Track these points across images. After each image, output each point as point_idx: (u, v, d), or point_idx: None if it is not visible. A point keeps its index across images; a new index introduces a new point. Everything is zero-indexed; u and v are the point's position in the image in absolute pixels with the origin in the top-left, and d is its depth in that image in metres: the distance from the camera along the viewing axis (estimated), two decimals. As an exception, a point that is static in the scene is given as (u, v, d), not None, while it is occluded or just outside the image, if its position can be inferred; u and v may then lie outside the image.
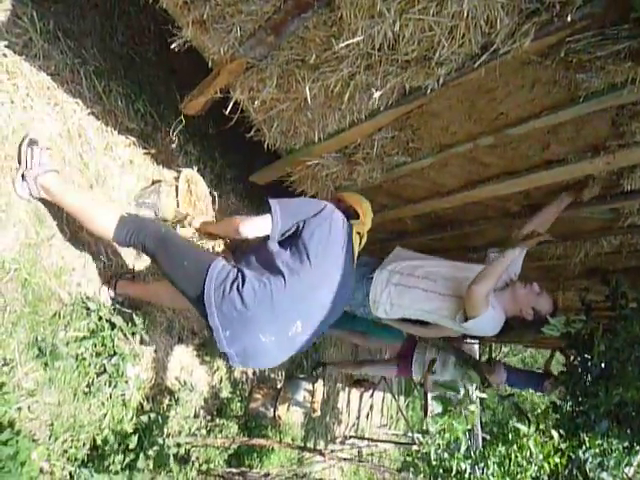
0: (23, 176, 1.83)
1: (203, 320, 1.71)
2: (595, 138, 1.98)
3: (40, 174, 1.82)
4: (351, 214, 2.14)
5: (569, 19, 1.45)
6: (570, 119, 1.88)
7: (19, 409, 1.78)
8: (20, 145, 1.84)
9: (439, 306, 2.36)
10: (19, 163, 1.84)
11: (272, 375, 3.76)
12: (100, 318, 2.07)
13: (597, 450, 2.09)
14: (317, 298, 1.82)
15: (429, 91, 1.82)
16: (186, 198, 2.31)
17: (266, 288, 1.68)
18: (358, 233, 2.13)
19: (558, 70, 1.72)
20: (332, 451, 2.66)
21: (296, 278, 1.74)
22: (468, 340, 4.24)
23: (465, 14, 1.50)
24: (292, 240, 1.87)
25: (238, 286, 1.66)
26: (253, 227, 1.90)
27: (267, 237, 1.87)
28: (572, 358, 2.38)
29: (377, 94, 1.87)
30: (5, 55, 1.88)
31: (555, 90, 1.80)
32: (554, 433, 1.93)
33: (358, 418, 5.55)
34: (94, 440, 2.04)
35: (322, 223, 1.89)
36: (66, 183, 1.95)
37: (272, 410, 3.27)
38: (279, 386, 3.55)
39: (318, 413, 3.61)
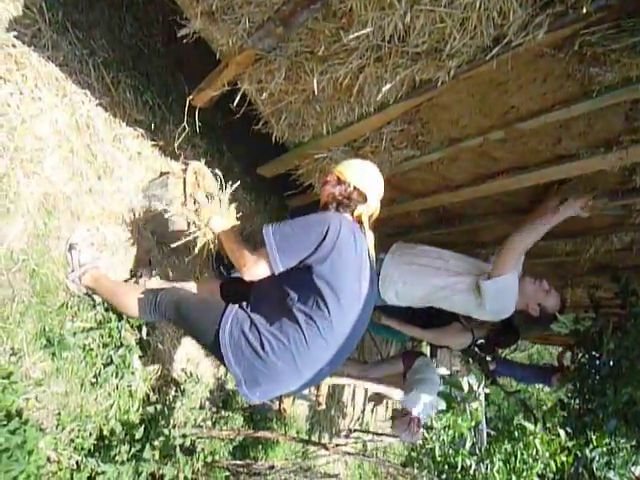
0: (69, 277, 2.00)
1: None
2: (608, 133, 1.95)
3: (81, 275, 2.00)
4: (357, 198, 1.76)
5: (584, 11, 1.42)
6: (583, 113, 1.85)
7: (27, 399, 1.79)
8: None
9: (454, 281, 2.34)
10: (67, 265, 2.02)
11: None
12: (107, 309, 2.07)
13: (604, 449, 2.07)
14: (344, 343, 1.67)
15: (439, 84, 1.80)
16: (193, 190, 2.31)
17: (288, 351, 1.57)
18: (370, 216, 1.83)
19: (571, 63, 1.68)
20: (337, 445, 2.66)
21: (318, 333, 1.58)
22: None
23: (477, 5, 1.48)
24: (305, 276, 1.62)
25: (256, 349, 1.58)
26: (257, 274, 1.66)
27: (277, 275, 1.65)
28: (580, 355, 2.36)
29: (386, 87, 1.86)
30: (14, 46, 1.88)
31: (568, 84, 1.77)
32: (561, 431, 1.91)
33: (363, 412, 5.55)
34: (101, 430, 2.05)
35: (332, 249, 1.57)
36: (101, 277, 2.05)
37: (277, 403, 3.28)
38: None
39: (323, 406, 3.62)
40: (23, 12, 1.94)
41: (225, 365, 1.63)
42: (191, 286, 2.23)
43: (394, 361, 3.86)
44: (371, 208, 1.80)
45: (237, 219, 2.10)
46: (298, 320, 1.58)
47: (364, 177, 1.77)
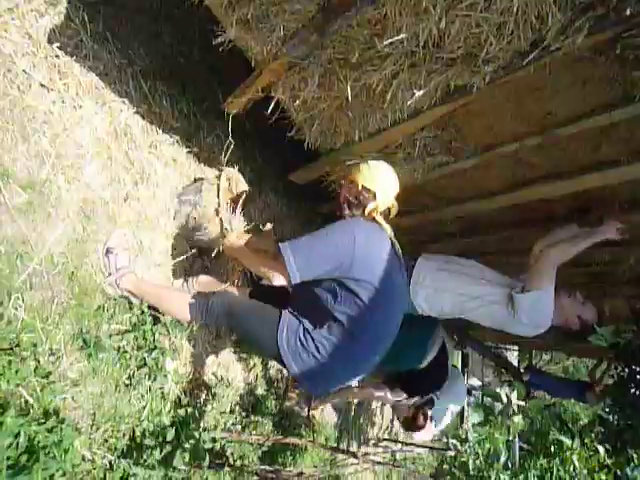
0: (107, 281, 2.04)
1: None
2: (651, 139, 1.89)
3: (118, 279, 2.04)
4: (367, 197, 1.80)
5: (626, 13, 1.38)
6: (624, 119, 1.79)
7: (64, 398, 1.83)
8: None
9: (488, 291, 2.28)
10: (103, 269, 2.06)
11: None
12: (142, 312, 2.11)
13: (646, 467, 1.99)
14: (387, 332, 1.82)
15: (474, 90, 1.78)
16: (226, 197, 2.34)
17: (343, 349, 1.72)
18: (384, 212, 1.87)
19: (612, 67, 1.64)
20: (365, 454, 2.64)
21: (363, 327, 1.72)
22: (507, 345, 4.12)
23: (515, 10, 1.46)
24: (334, 282, 1.70)
25: (313, 354, 1.73)
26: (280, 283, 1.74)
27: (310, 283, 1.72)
28: (620, 370, 2.28)
29: (420, 93, 1.85)
30: (57, 56, 1.95)
31: (609, 88, 1.72)
32: (600, 447, 1.84)
33: (392, 421, 5.49)
34: (133, 431, 2.08)
35: (360, 259, 1.64)
36: (141, 281, 2.12)
37: (306, 409, 3.27)
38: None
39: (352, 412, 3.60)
40: (66, 24, 2.01)
41: (286, 368, 1.78)
42: (232, 289, 2.26)
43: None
44: (383, 204, 1.83)
45: (247, 232, 2.18)
46: (341, 320, 1.70)
47: (371, 176, 1.82)
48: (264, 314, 1.88)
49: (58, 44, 1.95)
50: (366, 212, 1.80)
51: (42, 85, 1.87)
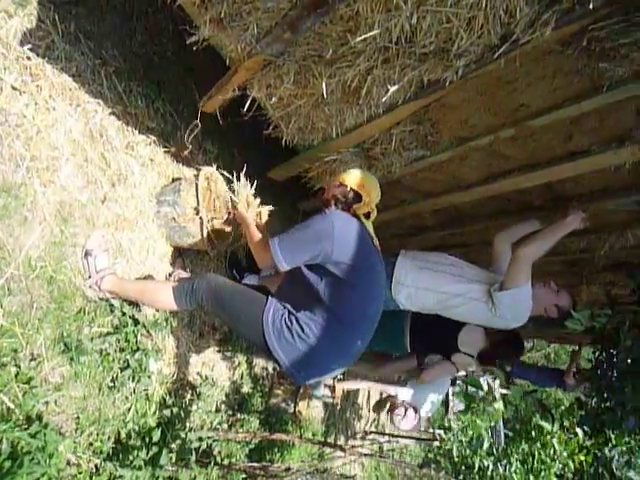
0: (87, 284, 2.02)
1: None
2: (620, 128, 1.94)
3: (99, 280, 2.02)
4: (353, 197, 2.02)
5: (591, 6, 1.42)
6: (593, 109, 1.84)
7: (46, 403, 1.82)
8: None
9: (468, 288, 2.32)
10: (83, 272, 2.04)
11: (293, 371, 3.77)
12: (123, 314, 2.10)
13: (624, 448, 2.04)
14: (368, 314, 1.90)
15: (447, 84, 1.81)
16: (206, 196, 2.34)
17: (326, 330, 1.78)
18: (366, 214, 2.07)
19: (580, 59, 1.68)
20: (353, 446, 2.67)
21: (346, 307, 1.81)
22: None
23: (483, 4, 1.49)
24: (320, 267, 1.83)
25: (298, 333, 1.77)
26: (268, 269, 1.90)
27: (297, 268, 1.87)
28: (598, 354, 2.34)
29: (394, 88, 1.86)
30: (29, 58, 1.92)
31: (577, 80, 1.77)
32: (579, 430, 1.89)
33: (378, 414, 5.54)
34: (119, 433, 2.07)
35: (339, 243, 1.79)
36: (122, 280, 2.11)
37: (292, 405, 3.29)
38: (300, 382, 3.56)
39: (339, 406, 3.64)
40: (37, 25, 1.98)
41: (270, 352, 1.80)
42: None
43: (407, 359, 3.83)
44: (366, 206, 2.02)
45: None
46: (325, 301, 1.79)
47: (360, 182, 2.02)
48: (249, 296, 1.93)
49: (29, 46, 1.92)
50: (351, 210, 1.98)
51: (14, 88, 1.84)
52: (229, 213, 2.40)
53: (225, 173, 2.32)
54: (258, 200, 2.30)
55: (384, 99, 1.95)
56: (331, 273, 1.78)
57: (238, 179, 2.21)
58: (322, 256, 1.78)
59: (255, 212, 2.27)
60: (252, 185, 2.31)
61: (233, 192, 2.22)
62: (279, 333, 1.78)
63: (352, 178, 2.04)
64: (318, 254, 1.78)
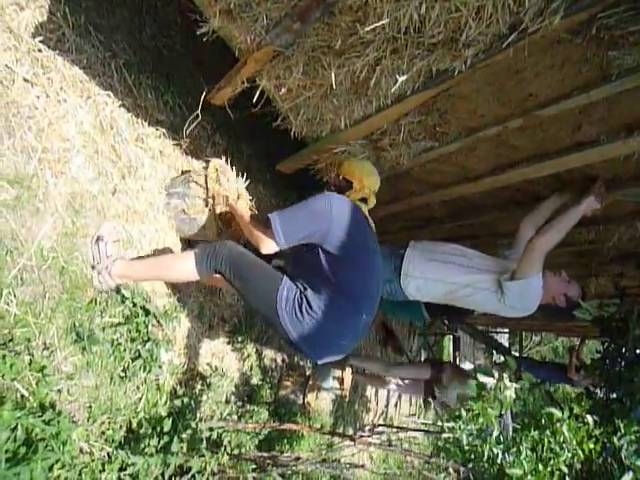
0: (95, 269, 2.02)
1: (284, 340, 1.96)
2: (628, 117, 1.93)
3: (110, 264, 2.01)
4: (345, 185, 2.27)
5: (600, -7, 1.41)
6: (602, 98, 1.83)
7: (59, 391, 1.85)
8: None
9: (477, 279, 2.33)
10: (92, 259, 2.04)
11: (301, 362, 3.80)
12: (134, 305, 2.12)
13: (633, 437, 2.04)
14: (369, 290, 1.95)
15: (456, 73, 1.80)
16: (215, 188, 2.35)
17: (332, 305, 1.83)
18: (362, 199, 2.29)
19: (589, 48, 1.67)
20: (361, 436, 2.69)
21: (348, 284, 1.87)
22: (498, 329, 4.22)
23: (493, -7, 1.48)
24: (318, 245, 1.88)
25: (307, 310, 1.82)
26: (269, 251, 1.92)
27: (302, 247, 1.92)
28: (607, 345, 2.34)
29: (403, 78, 1.87)
30: (40, 50, 1.94)
31: (586, 69, 1.76)
32: (589, 417, 1.89)
33: (387, 406, 5.56)
34: (130, 423, 2.10)
35: (337, 222, 1.86)
36: (132, 261, 2.10)
37: (301, 397, 3.31)
38: (308, 373, 3.59)
39: (347, 398, 3.66)
40: (48, 17, 2.00)
41: (282, 328, 1.84)
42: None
43: (421, 368, 3.84)
44: (358, 193, 2.27)
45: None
46: (331, 279, 1.84)
47: (350, 170, 2.28)
48: (267, 271, 1.96)
49: (40, 38, 1.94)
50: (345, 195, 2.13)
51: (25, 80, 1.86)
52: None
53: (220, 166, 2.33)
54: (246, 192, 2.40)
55: (393, 90, 1.95)
56: (329, 252, 1.84)
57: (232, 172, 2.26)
58: (319, 234, 1.83)
59: (246, 203, 2.38)
60: (243, 177, 2.42)
61: (217, 182, 2.25)
62: (291, 310, 1.83)
63: (344, 167, 2.28)
64: (315, 232, 1.83)
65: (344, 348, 2.00)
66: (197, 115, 2.28)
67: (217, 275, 2.00)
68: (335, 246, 1.84)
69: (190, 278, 2.04)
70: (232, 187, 2.28)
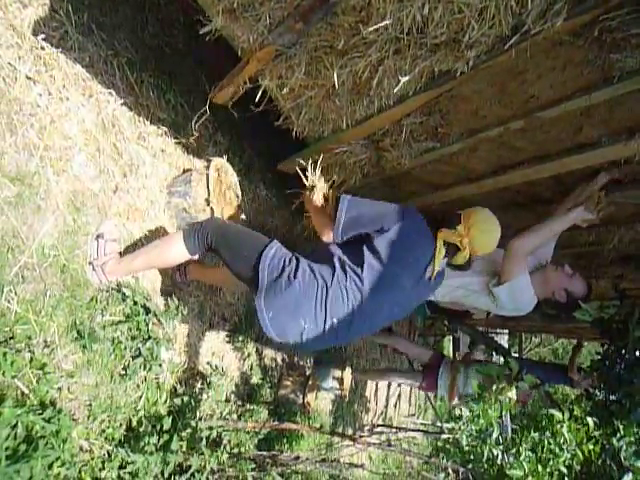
0: (92, 265, 2.01)
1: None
2: (630, 120, 1.93)
3: (105, 262, 2.01)
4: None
5: (603, -4, 1.41)
6: (604, 101, 1.83)
7: (59, 389, 1.85)
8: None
9: (468, 281, 2.35)
10: (89, 255, 2.03)
11: (301, 362, 3.80)
12: (135, 303, 2.12)
13: (632, 438, 2.04)
14: (376, 301, 1.79)
15: (458, 74, 1.80)
16: (216, 187, 2.35)
17: (314, 282, 1.72)
18: (449, 243, 1.87)
19: (591, 50, 1.67)
20: (361, 436, 2.69)
21: (345, 284, 1.74)
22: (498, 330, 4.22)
23: (495, -6, 1.49)
24: (358, 242, 1.81)
25: (289, 273, 1.73)
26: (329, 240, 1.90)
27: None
28: (607, 347, 2.34)
29: (405, 79, 1.87)
30: (43, 48, 1.95)
31: (588, 71, 1.76)
32: (589, 419, 1.90)
33: (386, 407, 5.57)
34: (130, 421, 2.10)
35: (392, 231, 1.76)
36: (125, 257, 2.06)
37: (301, 397, 3.31)
38: (308, 373, 3.59)
39: (347, 398, 3.66)
40: (50, 15, 2.00)
41: (256, 288, 1.75)
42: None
43: (415, 375, 3.85)
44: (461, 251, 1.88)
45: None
46: (335, 267, 1.75)
47: (473, 234, 1.88)
48: (255, 234, 1.92)
49: (43, 36, 1.94)
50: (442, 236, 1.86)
51: (28, 77, 1.87)
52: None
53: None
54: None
55: (395, 90, 1.95)
56: (361, 253, 1.75)
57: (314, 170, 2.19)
58: (373, 230, 1.77)
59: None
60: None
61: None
62: (272, 269, 1.74)
63: (467, 218, 1.89)
64: (373, 229, 1.77)
65: (302, 332, 1.75)
66: (205, 111, 2.25)
67: (209, 269, 1.98)
68: (375, 250, 1.74)
69: (182, 258, 2.00)
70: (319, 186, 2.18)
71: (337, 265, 1.76)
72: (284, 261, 1.77)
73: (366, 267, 1.73)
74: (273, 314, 1.73)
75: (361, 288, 1.74)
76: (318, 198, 2.11)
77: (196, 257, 2.02)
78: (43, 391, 1.73)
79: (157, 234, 2.35)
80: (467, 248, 1.86)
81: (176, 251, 1.96)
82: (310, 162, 2.16)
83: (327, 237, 1.92)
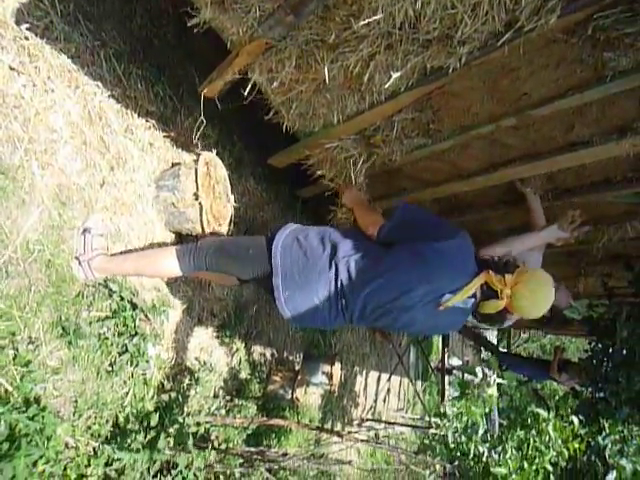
0: (78, 260, 1.97)
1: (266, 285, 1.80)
2: (622, 119, 1.93)
3: (92, 258, 1.97)
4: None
5: (597, -6, 1.40)
6: (596, 99, 1.83)
7: (44, 386, 1.82)
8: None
9: None
10: (76, 250, 2.00)
11: (290, 357, 3.80)
12: (122, 299, 2.10)
13: (617, 436, 2.06)
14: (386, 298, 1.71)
15: (450, 71, 1.79)
16: (205, 181, 2.32)
17: (331, 262, 1.71)
18: (488, 287, 1.67)
19: (584, 48, 1.67)
20: (349, 432, 2.69)
21: (354, 284, 1.70)
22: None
23: (489, -10, 1.47)
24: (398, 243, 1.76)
25: (305, 252, 1.74)
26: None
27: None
28: (594, 344, 2.35)
29: (397, 74, 1.85)
30: (27, 38, 1.90)
31: (581, 69, 1.75)
32: (574, 418, 1.91)
33: (375, 401, 5.59)
34: (117, 417, 2.08)
35: (444, 245, 1.66)
36: (114, 257, 2.04)
37: (290, 392, 3.30)
38: (297, 368, 3.59)
39: (335, 392, 3.67)
40: (34, 4, 1.95)
41: (271, 275, 1.74)
42: None
43: None
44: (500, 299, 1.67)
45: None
46: (358, 255, 1.72)
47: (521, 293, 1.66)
48: (253, 236, 1.93)
49: (27, 25, 1.89)
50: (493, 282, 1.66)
51: (12, 68, 1.82)
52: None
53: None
54: None
55: (386, 86, 1.93)
56: (392, 253, 1.72)
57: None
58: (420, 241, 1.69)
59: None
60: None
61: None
62: (286, 248, 1.76)
63: (519, 280, 1.64)
64: (425, 234, 1.70)
65: (311, 310, 1.76)
66: (198, 109, 2.23)
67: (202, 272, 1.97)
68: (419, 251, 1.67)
69: (171, 274, 2.02)
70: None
71: (360, 254, 1.73)
72: (298, 239, 1.78)
73: (388, 263, 1.69)
74: (289, 294, 1.74)
75: (381, 283, 1.67)
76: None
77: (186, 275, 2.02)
78: (27, 388, 1.71)
79: (145, 229, 2.32)
80: (505, 300, 1.64)
81: (167, 266, 1.95)
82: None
83: (371, 231, 1.82)
